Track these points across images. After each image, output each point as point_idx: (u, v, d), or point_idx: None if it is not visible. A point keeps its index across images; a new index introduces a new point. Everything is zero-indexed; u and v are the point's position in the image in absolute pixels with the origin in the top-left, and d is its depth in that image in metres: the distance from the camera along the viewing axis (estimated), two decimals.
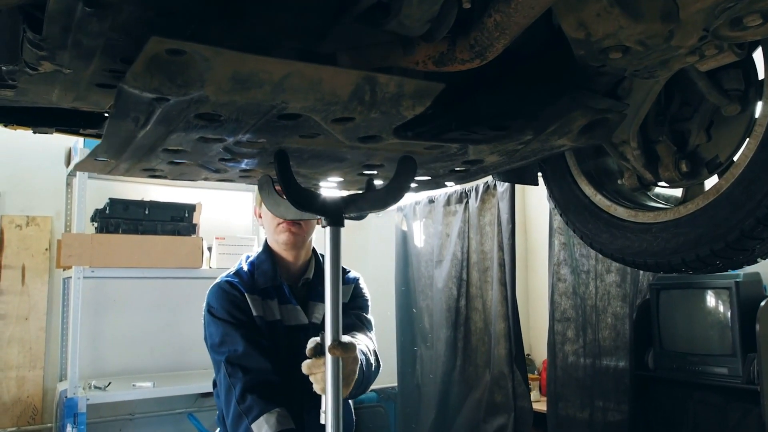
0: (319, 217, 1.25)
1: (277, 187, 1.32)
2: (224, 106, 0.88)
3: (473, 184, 4.09)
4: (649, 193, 1.80)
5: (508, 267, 3.71)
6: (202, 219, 3.64)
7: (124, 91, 0.77)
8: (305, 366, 1.44)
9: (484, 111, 1.49)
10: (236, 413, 1.65)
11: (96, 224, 3.27)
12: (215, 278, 3.90)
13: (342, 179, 1.54)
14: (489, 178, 4.07)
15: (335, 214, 1.20)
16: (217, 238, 3.55)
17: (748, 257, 1.47)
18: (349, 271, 2.07)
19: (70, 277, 3.15)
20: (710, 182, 1.68)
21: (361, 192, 1.21)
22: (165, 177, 1.54)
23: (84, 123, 1.69)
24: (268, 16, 1.03)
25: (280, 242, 1.89)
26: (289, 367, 1.82)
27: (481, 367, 3.94)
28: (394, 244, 4.72)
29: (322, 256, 2.00)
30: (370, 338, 1.92)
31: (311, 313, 1.88)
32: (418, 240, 4.54)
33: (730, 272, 3.62)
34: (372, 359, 1.78)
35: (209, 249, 3.54)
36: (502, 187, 3.80)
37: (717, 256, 1.45)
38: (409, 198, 4.82)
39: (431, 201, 4.45)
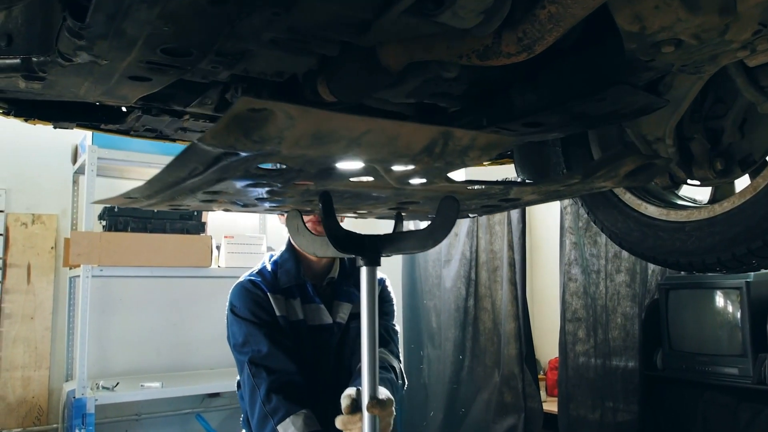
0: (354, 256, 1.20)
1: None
2: (292, 159, 0.84)
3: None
4: (676, 191, 1.79)
5: (519, 266, 3.69)
6: (209, 217, 3.60)
7: (196, 147, 0.71)
8: (340, 421, 1.42)
9: (518, 107, 1.47)
10: (262, 414, 1.62)
11: (104, 222, 3.23)
12: (224, 277, 3.89)
13: (368, 211, 1.50)
14: (499, 178, 4.05)
15: (374, 255, 1.16)
16: (225, 237, 3.51)
17: None
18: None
19: (78, 276, 3.11)
20: (739, 182, 1.66)
21: (402, 231, 1.17)
22: (187, 209, 1.51)
23: (106, 118, 1.66)
24: (314, 4, 1.00)
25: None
26: (313, 368, 1.79)
27: (490, 367, 3.92)
28: None
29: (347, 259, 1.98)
30: (397, 355, 1.90)
31: (336, 312, 1.85)
32: None
33: (741, 273, 3.62)
34: (399, 383, 1.78)
35: (218, 248, 3.51)
36: None
37: (754, 255, 1.43)
38: None
39: None
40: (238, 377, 1.86)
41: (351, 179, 1.01)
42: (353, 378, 1.73)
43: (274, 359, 1.70)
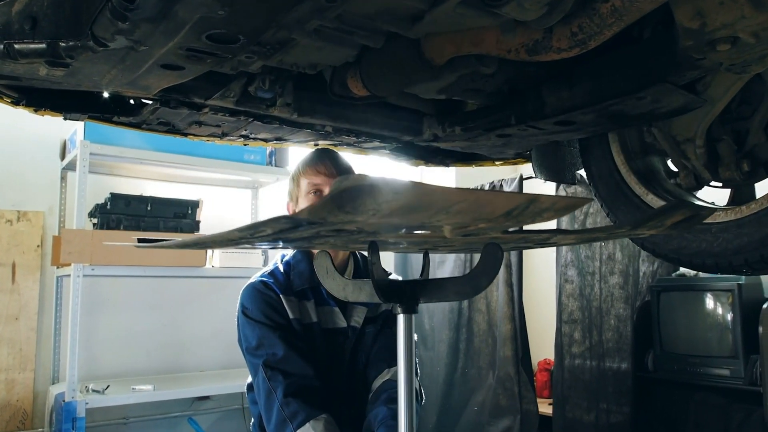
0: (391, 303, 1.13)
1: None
2: (372, 225, 0.76)
3: (480, 183, 4.06)
4: (695, 193, 1.78)
5: (515, 268, 3.69)
6: (202, 215, 3.52)
7: (281, 219, 0.63)
8: None
9: (551, 105, 1.44)
10: (280, 418, 1.57)
11: (95, 220, 3.13)
12: (218, 277, 3.80)
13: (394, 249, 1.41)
14: (495, 178, 4.05)
15: (412, 302, 1.09)
16: None
17: None
18: (390, 274, 2.00)
19: (68, 275, 3.00)
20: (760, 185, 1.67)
21: (442, 279, 1.10)
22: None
23: (119, 110, 1.60)
24: None
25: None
26: (326, 373, 1.74)
27: (485, 369, 3.91)
28: None
29: (361, 255, 1.93)
30: (416, 371, 1.87)
31: (350, 316, 1.80)
32: None
33: (732, 275, 3.67)
34: (419, 404, 1.74)
35: None
36: (509, 187, 3.78)
37: None
38: None
39: None
40: (249, 380, 1.81)
41: (403, 231, 0.92)
42: (373, 403, 1.69)
43: (290, 362, 1.65)
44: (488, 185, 3.97)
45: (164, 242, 1.17)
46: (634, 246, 4.06)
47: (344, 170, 1.79)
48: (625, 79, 1.27)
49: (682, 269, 4.23)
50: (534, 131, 1.56)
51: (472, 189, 0.65)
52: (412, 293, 1.09)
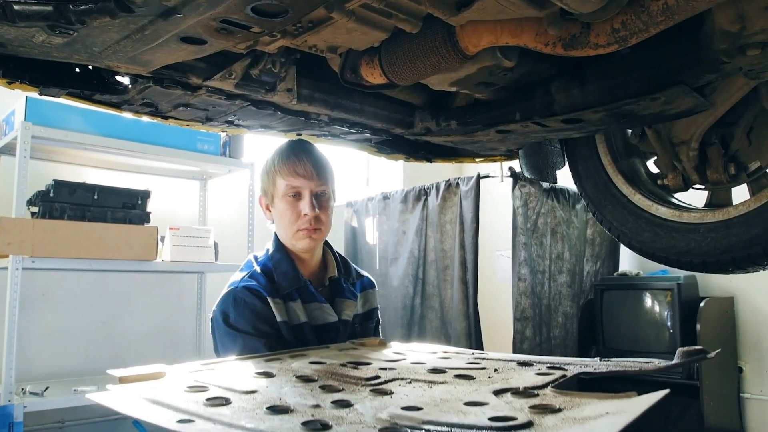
0: None
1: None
2: None
3: (434, 182, 4.07)
4: (676, 195, 1.85)
5: (471, 266, 3.73)
6: (152, 206, 3.33)
7: None
8: None
9: (560, 102, 1.45)
10: None
11: (36, 209, 2.88)
12: (168, 272, 3.61)
13: None
14: (451, 176, 4.08)
15: None
16: (171, 229, 3.26)
17: None
18: (360, 268, 1.95)
19: (5, 268, 2.75)
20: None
21: None
22: None
23: (102, 87, 1.47)
24: None
25: (298, 247, 1.71)
26: None
27: None
28: (343, 240, 4.61)
29: (339, 255, 1.87)
30: None
31: (341, 310, 1.74)
32: (371, 237, 4.46)
33: (672, 274, 3.87)
34: None
35: (162, 240, 3.25)
36: (466, 186, 3.82)
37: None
38: (360, 194, 4.73)
39: (386, 198, 4.39)
40: None
41: None
42: None
43: None
44: (444, 185, 3.99)
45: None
46: (580, 246, 4.21)
47: (322, 170, 1.70)
48: (641, 79, 1.29)
49: (623, 268, 4.44)
50: (536, 128, 1.57)
51: None
52: None
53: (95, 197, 2.97)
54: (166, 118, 1.70)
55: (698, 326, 3.58)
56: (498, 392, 0.89)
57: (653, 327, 3.88)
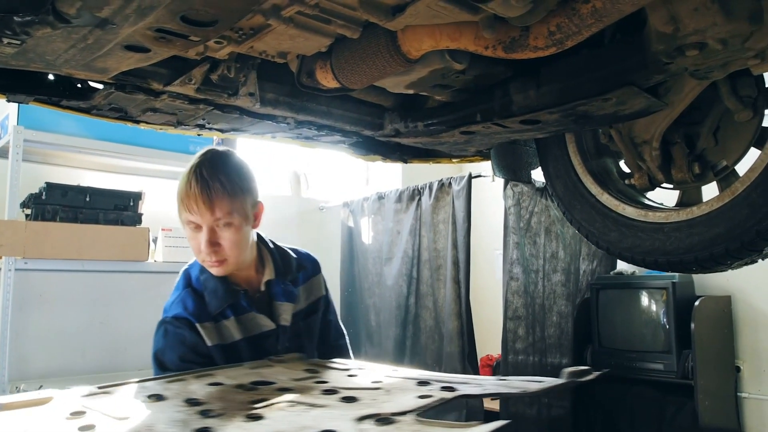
0: None
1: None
2: None
3: (427, 182, 4.08)
4: (646, 194, 1.85)
5: (463, 265, 3.73)
6: (144, 208, 3.38)
7: None
8: None
9: (518, 103, 1.46)
10: None
11: (29, 211, 2.94)
12: (161, 272, 3.65)
13: None
14: (444, 176, 4.09)
15: None
16: (163, 230, 3.30)
17: (756, 258, 1.54)
18: (302, 253, 1.85)
19: None
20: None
21: None
22: None
23: (68, 93, 1.51)
24: None
25: (213, 272, 1.61)
26: None
27: (430, 365, 3.94)
28: (340, 240, 4.64)
29: (270, 242, 1.77)
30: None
31: (278, 314, 1.65)
32: (366, 236, 4.48)
33: (667, 274, 3.85)
34: None
35: (154, 241, 3.30)
36: (458, 185, 3.82)
37: (730, 256, 1.50)
38: (356, 194, 4.75)
39: (381, 198, 4.40)
40: None
41: None
42: None
43: None
44: (437, 184, 4.00)
45: None
46: (576, 245, 4.19)
47: (220, 200, 1.50)
48: (592, 81, 1.30)
49: (619, 267, 4.42)
50: (498, 129, 1.58)
51: None
52: None
53: (87, 199, 3.02)
54: (137, 122, 1.74)
55: (692, 325, 3.56)
56: (361, 418, 0.92)
57: (649, 326, 3.86)
